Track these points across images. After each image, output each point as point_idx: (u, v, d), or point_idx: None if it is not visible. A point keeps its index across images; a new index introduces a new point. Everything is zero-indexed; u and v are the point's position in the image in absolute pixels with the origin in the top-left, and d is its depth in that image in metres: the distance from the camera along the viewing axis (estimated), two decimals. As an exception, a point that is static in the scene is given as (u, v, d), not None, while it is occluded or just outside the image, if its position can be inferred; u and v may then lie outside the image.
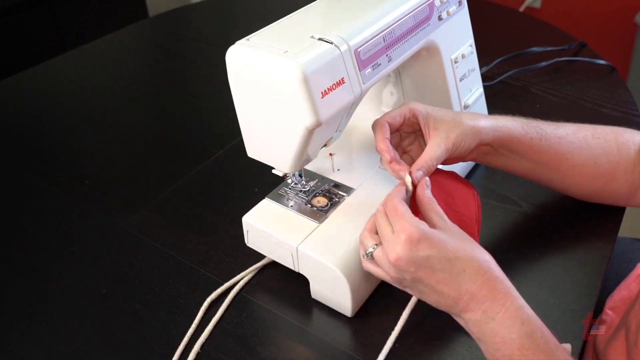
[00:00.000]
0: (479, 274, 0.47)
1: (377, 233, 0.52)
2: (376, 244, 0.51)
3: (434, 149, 0.56)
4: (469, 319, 0.48)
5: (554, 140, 0.62)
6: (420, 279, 0.48)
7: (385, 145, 0.57)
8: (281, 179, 0.64)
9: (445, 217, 0.51)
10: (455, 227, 0.51)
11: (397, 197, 0.51)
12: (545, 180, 0.66)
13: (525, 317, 0.46)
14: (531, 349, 0.45)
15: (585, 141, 0.63)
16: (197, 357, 0.56)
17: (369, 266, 0.53)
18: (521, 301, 0.47)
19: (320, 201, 0.64)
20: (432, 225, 0.50)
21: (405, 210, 0.50)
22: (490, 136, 0.59)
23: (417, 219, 0.49)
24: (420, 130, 0.59)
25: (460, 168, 0.74)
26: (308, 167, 0.68)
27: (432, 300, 0.50)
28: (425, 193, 0.53)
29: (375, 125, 0.58)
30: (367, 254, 0.52)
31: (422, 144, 0.60)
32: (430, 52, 0.67)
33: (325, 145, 0.60)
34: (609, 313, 0.63)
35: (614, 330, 0.60)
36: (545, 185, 0.68)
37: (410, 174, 0.55)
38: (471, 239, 0.51)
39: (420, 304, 0.54)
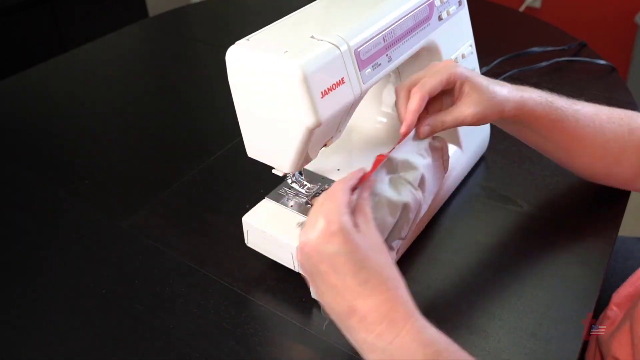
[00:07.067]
0: (382, 290, 0.43)
1: None
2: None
3: (455, 115, 0.57)
4: (363, 341, 0.43)
5: (571, 123, 0.63)
6: (320, 272, 0.44)
7: (412, 120, 0.55)
8: (281, 179, 0.64)
9: (372, 223, 0.47)
10: (376, 238, 0.46)
11: (346, 183, 0.48)
12: (552, 154, 0.69)
13: (428, 338, 0.43)
14: None
15: (601, 125, 0.64)
16: (197, 357, 0.56)
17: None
18: (423, 322, 0.44)
19: (320, 201, 0.64)
20: (354, 224, 0.45)
21: (342, 197, 0.46)
22: (512, 112, 0.60)
23: (346, 211, 0.45)
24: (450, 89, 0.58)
25: (461, 169, 0.74)
26: (308, 167, 0.68)
27: (326, 301, 0.45)
28: (364, 195, 0.49)
29: (414, 96, 0.55)
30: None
31: (444, 100, 0.60)
32: (430, 52, 0.67)
33: (325, 145, 0.60)
34: (614, 309, 0.64)
35: (619, 323, 0.61)
36: (549, 157, 0.70)
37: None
38: (387, 254, 0.46)
39: (420, 303, 0.54)
